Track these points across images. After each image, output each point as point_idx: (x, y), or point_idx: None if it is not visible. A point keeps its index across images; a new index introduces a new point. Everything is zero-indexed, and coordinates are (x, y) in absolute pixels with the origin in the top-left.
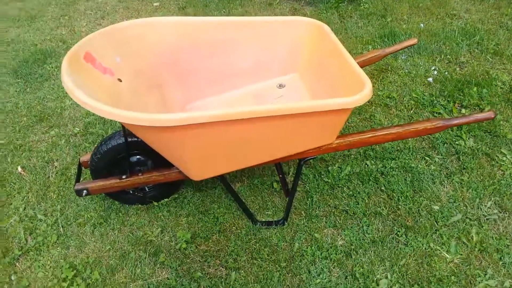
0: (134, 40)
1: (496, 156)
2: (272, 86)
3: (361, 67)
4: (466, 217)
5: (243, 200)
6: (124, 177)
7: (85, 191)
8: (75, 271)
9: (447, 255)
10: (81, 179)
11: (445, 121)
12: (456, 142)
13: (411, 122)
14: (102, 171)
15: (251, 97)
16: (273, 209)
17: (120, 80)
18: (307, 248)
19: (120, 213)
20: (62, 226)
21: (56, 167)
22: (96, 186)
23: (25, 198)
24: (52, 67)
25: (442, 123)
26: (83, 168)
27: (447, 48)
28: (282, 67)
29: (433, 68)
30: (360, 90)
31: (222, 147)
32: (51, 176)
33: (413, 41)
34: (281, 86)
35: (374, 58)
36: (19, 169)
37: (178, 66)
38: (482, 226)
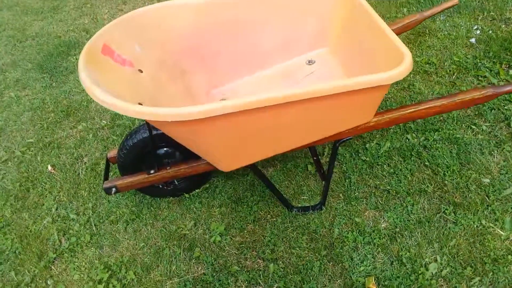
0: (153, 26)
1: None
2: (301, 63)
3: (398, 34)
4: None
5: (277, 186)
6: (152, 172)
7: (114, 188)
8: (110, 271)
9: (501, 232)
10: (110, 174)
11: (494, 89)
12: (505, 107)
13: (456, 93)
14: (130, 166)
15: (280, 77)
16: (308, 193)
17: (140, 71)
18: (347, 233)
19: (152, 207)
20: (94, 225)
21: (85, 163)
22: (124, 183)
23: (57, 197)
24: (76, 59)
25: (491, 91)
26: (111, 163)
27: (491, 4)
28: (310, 42)
29: (475, 27)
30: (399, 63)
31: (252, 135)
32: (81, 172)
33: (454, 1)
34: (310, 62)
35: (411, 24)
36: (49, 167)
37: (200, 50)
38: None
